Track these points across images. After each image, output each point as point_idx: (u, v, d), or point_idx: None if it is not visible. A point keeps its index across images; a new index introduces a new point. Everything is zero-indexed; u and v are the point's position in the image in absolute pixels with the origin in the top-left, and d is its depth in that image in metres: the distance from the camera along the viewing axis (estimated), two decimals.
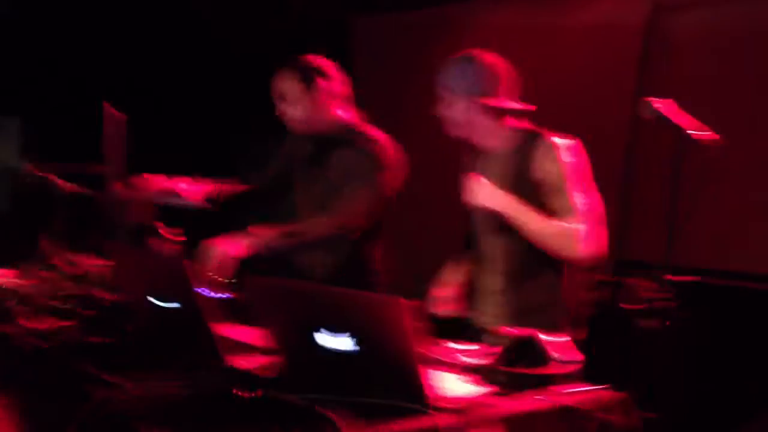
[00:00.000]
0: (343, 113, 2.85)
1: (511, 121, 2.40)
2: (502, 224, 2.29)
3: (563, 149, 2.30)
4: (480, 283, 2.46)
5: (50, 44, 5.33)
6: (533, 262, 2.32)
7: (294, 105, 2.77)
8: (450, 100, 2.38)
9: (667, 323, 1.92)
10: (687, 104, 2.21)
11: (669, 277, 1.93)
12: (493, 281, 2.41)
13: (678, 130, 2.00)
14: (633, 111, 4.02)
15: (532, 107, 2.37)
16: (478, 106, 2.35)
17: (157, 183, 2.78)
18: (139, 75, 5.36)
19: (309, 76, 2.77)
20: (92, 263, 2.55)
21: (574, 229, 2.23)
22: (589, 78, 4.22)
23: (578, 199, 2.26)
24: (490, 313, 2.40)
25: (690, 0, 4.06)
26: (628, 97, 3.94)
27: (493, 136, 2.40)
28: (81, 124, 4.82)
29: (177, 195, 2.76)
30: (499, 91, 2.37)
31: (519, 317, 2.25)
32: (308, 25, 5.73)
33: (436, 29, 5.43)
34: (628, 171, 4.15)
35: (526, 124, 2.40)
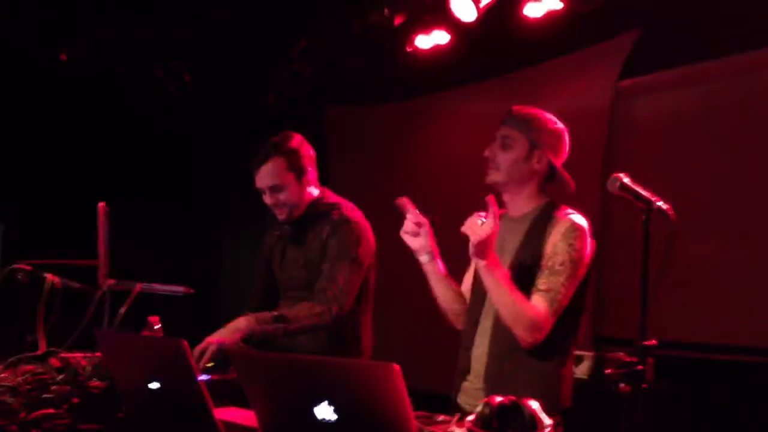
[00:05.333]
0: (316, 185, 2.91)
1: (539, 190, 2.41)
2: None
3: (580, 234, 2.30)
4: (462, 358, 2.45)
5: (33, 142, 5.45)
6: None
7: (287, 192, 2.81)
8: (511, 143, 2.37)
9: (644, 386, 1.98)
10: (648, 180, 2.29)
11: (646, 342, 2.00)
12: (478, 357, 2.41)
13: (647, 202, 2.10)
14: (602, 189, 4.20)
15: (573, 184, 2.38)
16: (539, 157, 2.36)
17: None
18: (122, 169, 5.46)
19: (298, 162, 2.83)
20: (82, 356, 2.57)
21: (535, 315, 2.22)
22: None
23: (554, 284, 2.25)
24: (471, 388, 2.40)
25: (649, 86, 4.28)
26: (596, 176, 4.09)
27: (522, 197, 2.40)
28: (69, 220, 4.90)
29: (159, 283, 2.79)
30: (559, 153, 2.41)
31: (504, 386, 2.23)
32: (284, 114, 5.92)
33: (408, 119, 5.63)
34: (600, 248, 4.27)
35: (546, 198, 2.42)
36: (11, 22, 5.03)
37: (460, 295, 2.55)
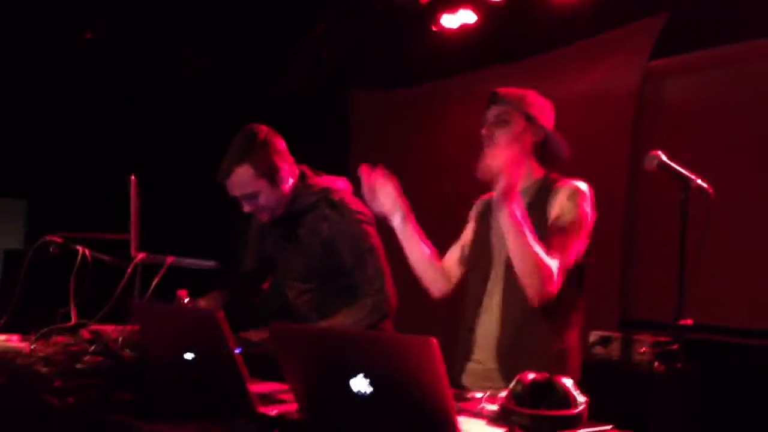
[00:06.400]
0: (293, 177, 2.75)
1: (537, 163, 2.42)
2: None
3: (585, 197, 2.32)
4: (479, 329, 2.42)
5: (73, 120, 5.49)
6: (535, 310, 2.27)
7: (262, 197, 2.68)
8: (507, 118, 2.37)
9: (678, 365, 1.96)
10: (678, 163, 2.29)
11: (681, 322, 1.98)
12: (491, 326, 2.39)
13: (685, 180, 2.07)
14: (629, 173, 4.18)
15: (568, 150, 2.41)
16: (535, 129, 2.38)
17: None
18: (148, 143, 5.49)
19: (266, 163, 2.65)
20: (112, 328, 2.59)
21: (548, 269, 2.19)
22: (586, 143, 4.35)
23: (560, 242, 2.25)
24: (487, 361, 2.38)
25: (679, 67, 4.24)
26: (623, 158, 4.07)
27: (523, 174, 2.36)
28: (92, 196, 4.94)
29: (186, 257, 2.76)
30: (551, 124, 2.42)
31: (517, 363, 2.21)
32: (308, 99, 5.91)
33: (431, 102, 5.59)
34: (627, 230, 4.25)
35: (544, 170, 2.43)
36: None
37: (429, 259, 2.49)
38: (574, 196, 2.31)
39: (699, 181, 2.08)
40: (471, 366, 2.45)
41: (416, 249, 2.46)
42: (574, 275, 2.32)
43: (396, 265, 2.70)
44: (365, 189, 2.36)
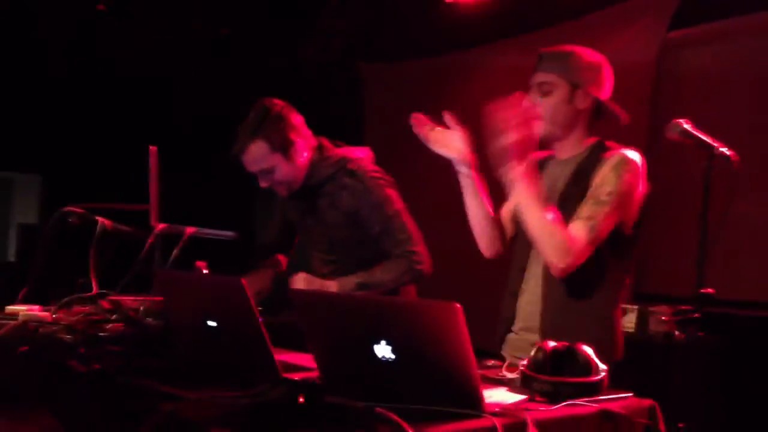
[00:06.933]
0: (309, 150, 2.73)
1: (590, 130, 2.32)
2: None
3: (632, 167, 2.20)
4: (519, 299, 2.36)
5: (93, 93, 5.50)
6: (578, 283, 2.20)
7: (278, 172, 2.67)
8: (549, 88, 2.26)
9: (700, 333, 1.96)
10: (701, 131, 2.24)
11: (704, 290, 1.97)
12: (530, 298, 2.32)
13: (708, 148, 2.05)
14: (647, 145, 4.15)
15: (624, 116, 2.29)
16: (582, 96, 2.25)
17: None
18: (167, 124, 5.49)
19: (280, 138, 2.64)
20: (132, 299, 2.61)
21: (566, 238, 2.11)
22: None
23: (593, 212, 2.15)
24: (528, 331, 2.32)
25: (697, 38, 4.19)
26: (642, 129, 4.03)
27: (571, 140, 2.30)
28: (121, 164, 4.94)
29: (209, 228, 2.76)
30: (603, 86, 2.29)
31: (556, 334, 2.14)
32: (320, 73, 5.89)
33: (446, 75, 5.56)
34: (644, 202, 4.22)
35: (597, 138, 2.33)
36: None
37: (492, 216, 2.40)
38: (619, 167, 2.20)
39: (723, 149, 2.05)
40: (511, 337, 2.39)
41: (479, 202, 2.33)
42: (620, 248, 2.23)
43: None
44: (421, 134, 2.27)
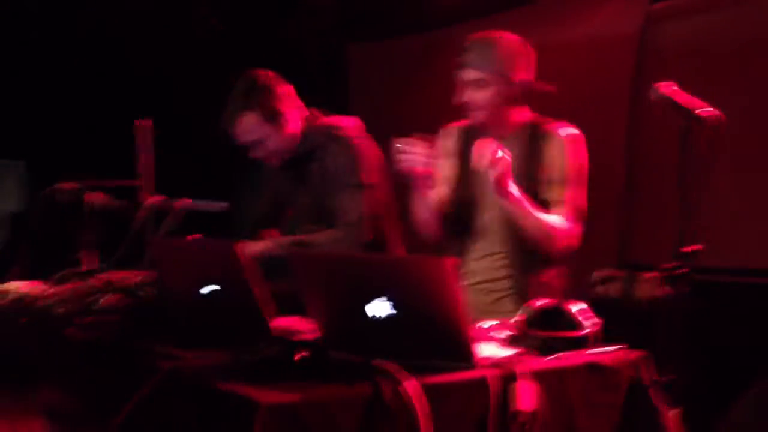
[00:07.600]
0: (299, 119, 2.75)
1: (523, 108, 2.45)
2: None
3: (574, 144, 2.41)
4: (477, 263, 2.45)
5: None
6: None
7: (270, 143, 2.68)
8: (482, 84, 2.36)
9: (687, 290, 2.01)
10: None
11: (693, 247, 2.01)
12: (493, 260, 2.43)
13: (684, 111, 2.08)
14: (629, 117, 4.19)
15: (553, 88, 2.42)
16: (514, 83, 2.37)
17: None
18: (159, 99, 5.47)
19: (270, 108, 2.65)
20: (123, 274, 2.64)
21: (556, 226, 2.34)
22: (586, 89, 4.36)
23: (570, 194, 2.38)
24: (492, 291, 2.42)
25: (681, 9, 4.23)
26: (623, 101, 4.07)
27: (509, 123, 2.43)
28: (110, 140, 4.92)
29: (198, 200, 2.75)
30: (530, 68, 2.42)
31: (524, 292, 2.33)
32: (305, 52, 5.89)
33: (430, 53, 5.57)
34: (628, 175, 4.27)
35: (531, 114, 2.47)
36: None
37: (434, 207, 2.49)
38: (561, 149, 2.40)
39: (700, 111, 2.05)
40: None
41: (424, 206, 2.43)
42: None
43: None
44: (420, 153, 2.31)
